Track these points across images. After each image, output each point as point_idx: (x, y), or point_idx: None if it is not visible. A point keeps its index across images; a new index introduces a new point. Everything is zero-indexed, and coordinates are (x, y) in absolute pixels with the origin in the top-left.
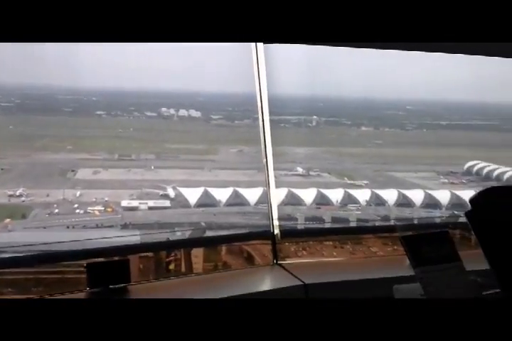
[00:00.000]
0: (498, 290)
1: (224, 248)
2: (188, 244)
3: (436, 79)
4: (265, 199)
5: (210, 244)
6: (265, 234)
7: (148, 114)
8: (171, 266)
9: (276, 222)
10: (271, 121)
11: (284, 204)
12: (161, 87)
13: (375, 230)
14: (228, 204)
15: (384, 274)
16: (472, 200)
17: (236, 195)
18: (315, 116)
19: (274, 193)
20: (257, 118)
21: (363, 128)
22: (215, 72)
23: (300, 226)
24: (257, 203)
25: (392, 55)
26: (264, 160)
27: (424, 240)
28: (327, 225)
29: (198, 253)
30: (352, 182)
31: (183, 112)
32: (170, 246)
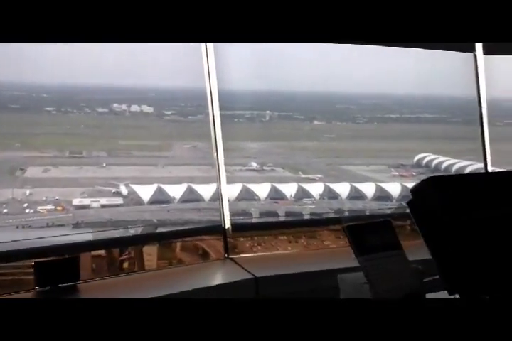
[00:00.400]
0: (437, 277)
1: (179, 245)
2: (138, 241)
3: (386, 73)
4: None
5: (161, 239)
6: (217, 229)
7: (100, 110)
8: (125, 265)
9: (227, 217)
10: (224, 116)
11: (238, 199)
12: (112, 83)
13: (322, 222)
14: (183, 200)
15: (333, 265)
16: (412, 190)
17: (190, 191)
18: (268, 111)
19: (225, 188)
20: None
21: (316, 123)
22: (167, 67)
23: (251, 221)
24: (212, 199)
25: (343, 49)
26: (215, 154)
27: (366, 229)
28: (281, 219)
29: (151, 252)
30: (305, 176)
31: (135, 108)
32: (120, 242)
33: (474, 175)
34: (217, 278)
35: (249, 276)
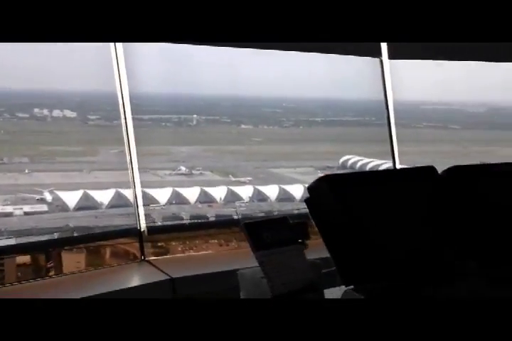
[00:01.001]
0: (333, 269)
1: (108, 251)
2: (52, 245)
3: (310, 77)
4: (149, 199)
5: (76, 243)
6: (133, 232)
7: (20, 115)
8: (51, 273)
9: (142, 219)
10: (152, 120)
11: (169, 203)
12: (33, 87)
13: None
14: (111, 205)
15: (248, 264)
16: (309, 188)
17: (119, 196)
18: (195, 115)
19: (139, 191)
20: (138, 118)
21: (243, 126)
22: (91, 71)
23: (166, 223)
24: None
25: (262, 53)
26: (128, 158)
27: (264, 226)
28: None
29: (80, 259)
30: (234, 179)
31: (57, 113)
32: (34, 247)
33: (368, 173)
34: (135, 280)
35: (165, 277)
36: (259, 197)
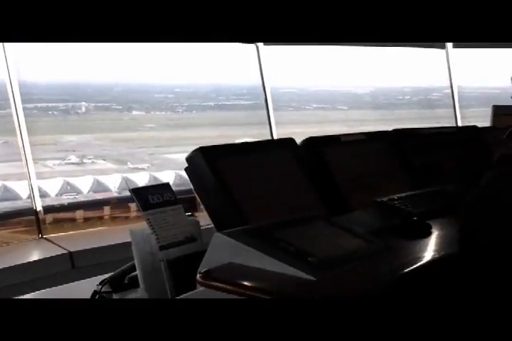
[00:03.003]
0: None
1: None
2: None
3: (201, 63)
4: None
5: None
6: (29, 212)
7: None
8: None
9: (38, 200)
10: (38, 109)
11: (60, 194)
12: None
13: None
14: None
15: None
16: (187, 158)
17: (5, 189)
18: (84, 102)
19: (32, 171)
20: (22, 107)
21: (135, 113)
22: None
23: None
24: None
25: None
26: (22, 148)
27: (149, 190)
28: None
29: None
30: (130, 166)
31: None
32: None
33: (239, 144)
34: (34, 255)
35: (63, 251)
36: (156, 183)
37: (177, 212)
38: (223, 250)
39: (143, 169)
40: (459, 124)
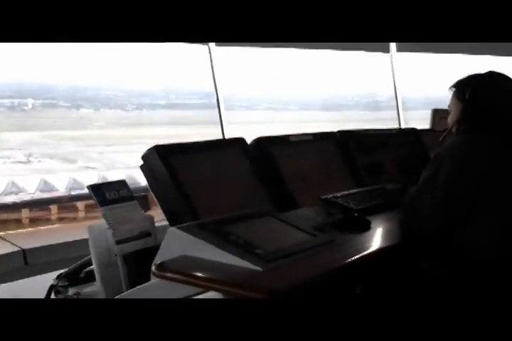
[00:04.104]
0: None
1: None
2: None
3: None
4: None
5: None
6: None
7: None
8: None
9: None
10: None
11: (5, 194)
12: None
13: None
14: None
15: None
16: (142, 156)
17: None
18: (30, 99)
19: None
20: None
21: (83, 110)
22: None
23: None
24: None
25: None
26: None
27: (106, 187)
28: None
29: None
30: (77, 165)
31: None
32: None
33: (192, 143)
34: None
35: (16, 249)
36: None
37: (133, 207)
38: (177, 243)
39: (92, 168)
40: (402, 126)
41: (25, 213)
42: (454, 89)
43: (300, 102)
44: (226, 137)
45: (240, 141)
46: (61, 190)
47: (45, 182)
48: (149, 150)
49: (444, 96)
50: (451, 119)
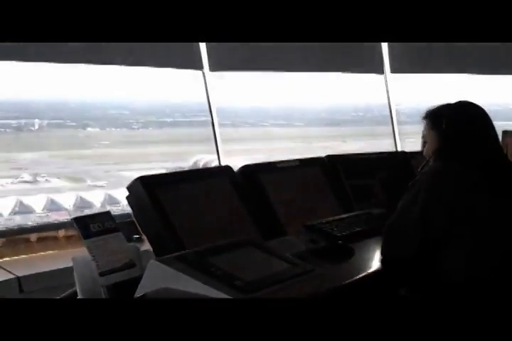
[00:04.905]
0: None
1: None
2: None
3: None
4: None
5: None
6: None
7: None
8: None
9: None
10: None
11: (14, 213)
12: None
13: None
14: None
15: None
16: (127, 187)
17: None
18: (37, 119)
19: None
20: None
21: (89, 129)
22: None
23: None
24: None
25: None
26: None
27: (90, 219)
28: None
29: None
30: (84, 184)
31: None
32: None
33: (178, 173)
34: None
35: (11, 276)
36: (111, 201)
37: (117, 239)
38: (158, 276)
39: (99, 186)
40: (398, 139)
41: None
42: (427, 120)
43: (305, 119)
44: (224, 153)
45: (227, 169)
46: (68, 208)
47: (53, 202)
48: (134, 180)
49: None
50: (428, 150)
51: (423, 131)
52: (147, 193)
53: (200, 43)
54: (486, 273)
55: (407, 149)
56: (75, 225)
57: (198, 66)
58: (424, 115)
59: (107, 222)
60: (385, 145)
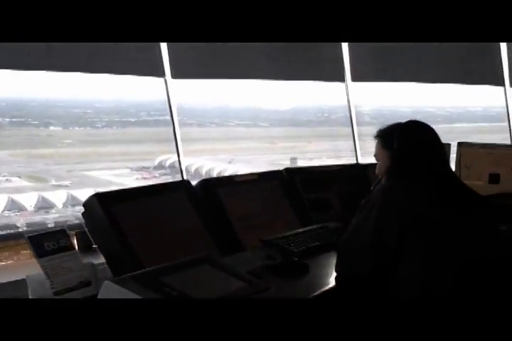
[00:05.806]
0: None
1: None
2: None
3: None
4: None
5: None
6: None
7: None
8: None
9: None
10: None
11: None
12: None
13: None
14: None
15: None
16: (84, 204)
17: None
18: None
19: None
20: None
21: (52, 128)
22: None
23: None
24: None
25: None
26: None
27: (45, 237)
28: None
29: None
30: (46, 184)
31: None
32: None
33: (134, 189)
34: None
35: None
36: (74, 202)
37: (72, 257)
38: (112, 296)
39: (62, 186)
40: (357, 139)
41: None
42: (378, 139)
43: (270, 119)
44: (185, 152)
45: (185, 183)
46: (29, 209)
47: (13, 202)
48: (90, 197)
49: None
50: (380, 168)
51: (375, 150)
52: (103, 210)
53: (163, 50)
54: (440, 285)
55: (367, 149)
56: (28, 244)
57: (160, 74)
58: (375, 134)
59: (63, 240)
60: (349, 146)
